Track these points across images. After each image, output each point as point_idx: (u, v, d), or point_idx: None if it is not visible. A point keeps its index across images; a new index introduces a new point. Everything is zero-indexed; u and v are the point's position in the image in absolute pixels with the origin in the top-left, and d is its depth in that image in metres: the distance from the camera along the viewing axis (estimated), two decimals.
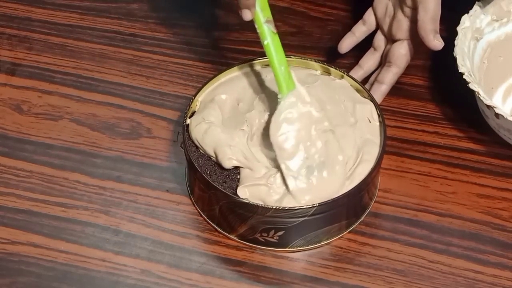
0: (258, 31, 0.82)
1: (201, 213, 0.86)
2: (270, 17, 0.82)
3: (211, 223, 0.85)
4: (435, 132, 0.94)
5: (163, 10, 1.07)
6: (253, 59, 0.92)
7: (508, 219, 0.87)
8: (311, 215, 0.80)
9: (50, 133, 0.94)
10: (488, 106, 0.86)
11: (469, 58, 0.91)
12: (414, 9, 0.91)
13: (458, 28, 0.92)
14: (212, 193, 0.82)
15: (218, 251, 0.84)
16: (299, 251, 0.84)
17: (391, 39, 0.95)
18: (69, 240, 0.84)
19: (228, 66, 0.91)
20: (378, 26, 0.97)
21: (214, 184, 0.81)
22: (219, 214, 0.83)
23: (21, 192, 0.88)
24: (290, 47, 1.01)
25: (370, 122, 0.87)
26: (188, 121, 0.87)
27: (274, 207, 0.79)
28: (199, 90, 0.89)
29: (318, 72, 0.92)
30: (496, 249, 0.84)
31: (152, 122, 0.95)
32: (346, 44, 0.97)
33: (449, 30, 0.95)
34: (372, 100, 0.88)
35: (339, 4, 1.09)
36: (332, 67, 0.91)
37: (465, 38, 0.92)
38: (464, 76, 0.87)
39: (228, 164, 0.83)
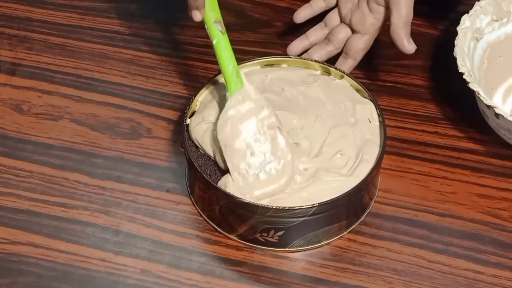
0: (207, 31, 0.84)
1: (201, 213, 0.86)
2: (219, 18, 0.83)
3: (211, 223, 0.85)
4: (435, 132, 0.94)
5: (163, 10, 1.07)
6: (253, 59, 0.92)
7: (508, 219, 0.87)
8: (311, 215, 0.80)
9: (50, 133, 0.94)
10: (488, 106, 0.86)
11: (469, 58, 0.91)
12: (381, 6, 0.91)
13: (458, 28, 0.92)
14: (212, 193, 0.82)
15: (218, 251, 0.84)
16: (299, 251, 0.84)
17: (349, 26, 0.95)
18: (69, 240, 0.84)
19: None
20: (337, 6, 0.97)
21: (214, 184, 0.81)
22: (219, 214, 0.83)
23: (21, 192, 0.88)
24: None
25: (370, 122, 0.87)
26: (188, 121, 0.87)
27: (274, 207, 0.79)
28: (199, 90, 0.89)
29: (318, 72, 0.92)
30: (496, 249, 0.84)
31: (152, 122, 0.95)
32: (302, 15, 0.98)
33: (449, 30, 0.95)
34: (372, 100, 0.88)
35: None
36: (332, 67, 0.91)
37: (465, 38, 0.92)
38: (464, 76, 0.87)
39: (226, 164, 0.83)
